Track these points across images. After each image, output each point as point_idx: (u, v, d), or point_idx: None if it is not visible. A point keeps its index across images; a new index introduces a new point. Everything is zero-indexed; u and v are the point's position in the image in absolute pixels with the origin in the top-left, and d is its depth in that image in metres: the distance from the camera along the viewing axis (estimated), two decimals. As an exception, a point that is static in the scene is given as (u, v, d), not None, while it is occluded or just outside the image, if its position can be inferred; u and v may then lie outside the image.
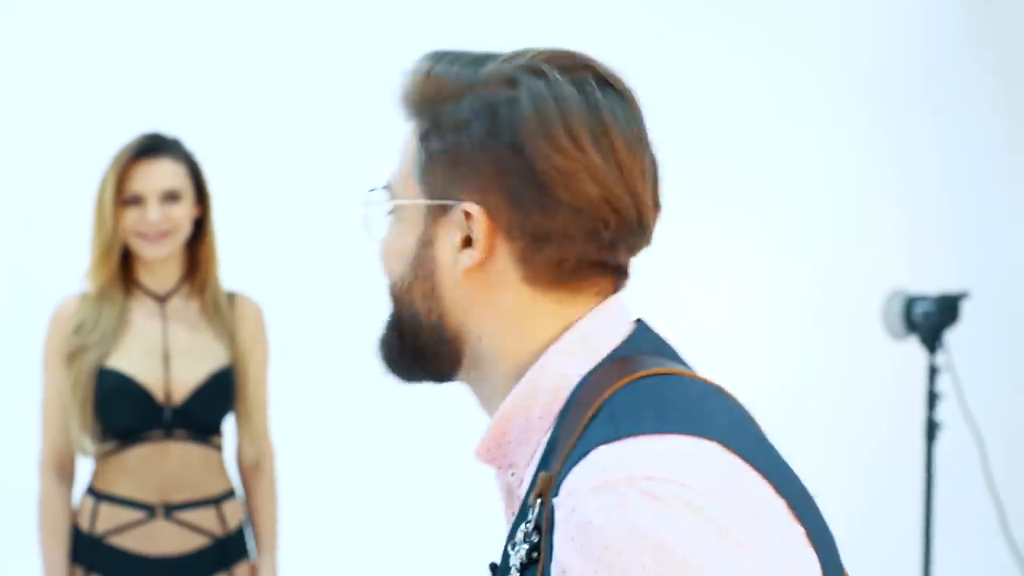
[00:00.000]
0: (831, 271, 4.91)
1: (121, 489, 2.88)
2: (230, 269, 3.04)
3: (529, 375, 1.18)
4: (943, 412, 4.06)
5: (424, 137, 1.20)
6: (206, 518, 2.92)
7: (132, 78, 3.83)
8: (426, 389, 4.09)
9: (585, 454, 1.05)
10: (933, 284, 4.31)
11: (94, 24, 3.83)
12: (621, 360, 1.16)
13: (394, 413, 4.01)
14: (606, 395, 1.11)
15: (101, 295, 2.91)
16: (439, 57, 1.21)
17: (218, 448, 2.97)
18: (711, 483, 1.04)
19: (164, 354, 2.91)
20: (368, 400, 3.99)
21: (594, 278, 1.20)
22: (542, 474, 1.10)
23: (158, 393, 2.88)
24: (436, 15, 4.20)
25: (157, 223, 2.87)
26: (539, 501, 1.09)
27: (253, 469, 3.05)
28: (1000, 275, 4.87)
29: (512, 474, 1.21)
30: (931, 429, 3.94)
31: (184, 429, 2.90)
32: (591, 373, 1.16)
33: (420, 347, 1.23)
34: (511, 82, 1.17)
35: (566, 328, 1.19)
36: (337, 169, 4.02)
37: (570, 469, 1.05)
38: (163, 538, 2.88)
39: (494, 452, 1.21)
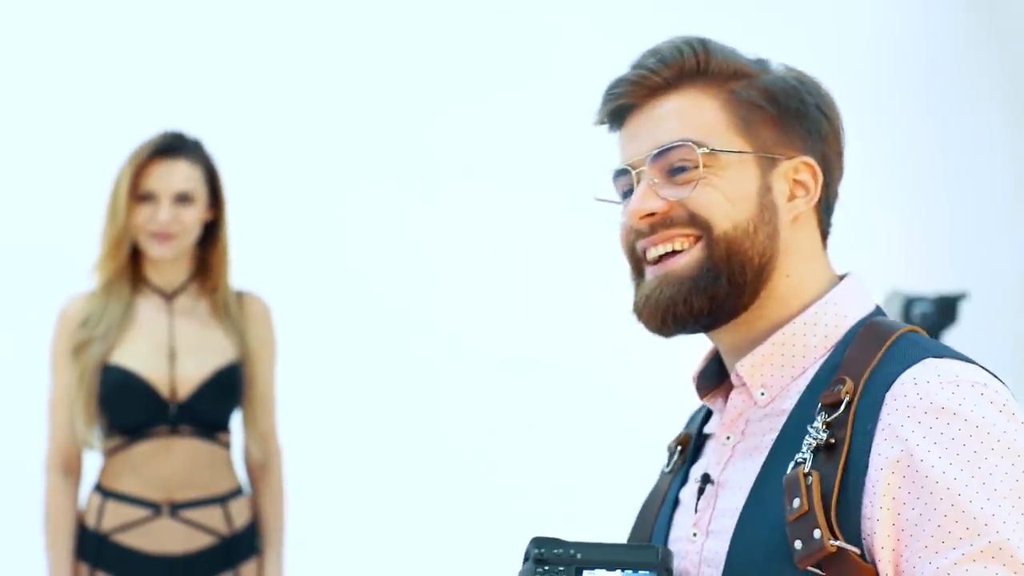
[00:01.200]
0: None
1: (127, 486, 2.89)
2: (238, 268, 3.05)
3: (814, 310, 1.36)
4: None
5: (746, 98, 1.37)
6: (212, 517, 2.92)
7: (145, 79, 3.85)
8: (432, 392, 4.04)
9: (912, 362, 1.27)
10: (931, 285, 4.32)
11: (110, 25, 3.85)
12: (883, 316, 1.38)
13: (401, 413, 4.02)
14: (899, 333, 1.32)
15: (108, 290, 2.92)
16: (702, 43, 1.39)
17: (225, 446, 2.97)
18: (1015, 400, 1.27)
19: (170, 350, 2.92)
20: (375, 400, 4.00)
21: None
22: (846, 379, 1.28)
23: (163, 389, 2.89)
24: (441, 18, 4.21)
25: (167, 223, 2.88)
26: (843, 401, 1.27)
27: (260, 469, 3.04)
28: (999, 275, 4.88)
29: (762, 393, 1.35)
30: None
31: (190, 426, 2.90)
32: (865, 318, 1.36)
33: (740, 287, 1.35)
34: (802, 73, 1.41)
35: (834, 280, 1.40)
36: (346, 171, 4.03)
37: (893, 375, 1.26)
38: (168, 536, 2.89)
39: (756, 371, 1.36)
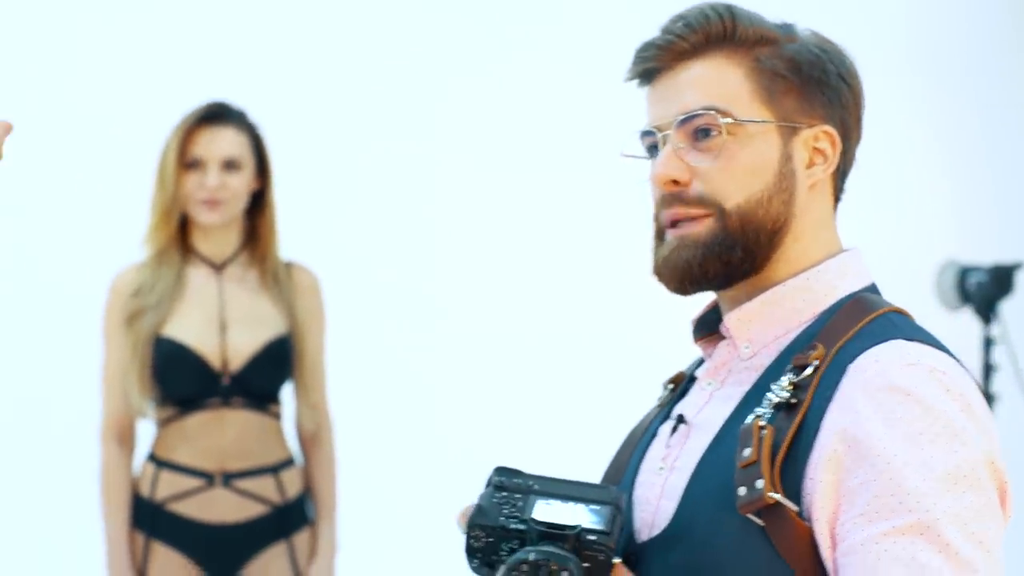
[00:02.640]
0: (883, 243, 4.86)
1: (180, 456, 2.91)
2: (288, 240, 3.05)
3: (806, 275, 1.41)
4: (998, 383, 4.03)
5: (770, 68, 1.40)
6: (264, 486, 2.93)
7: (189, 54, 3.85)
8: (489, 365, 3.99)
9: (881, 341, 1.32)
10: (987, 254, 4.28)
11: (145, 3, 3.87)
12: (874, 294, 1.42)
13: (451, 384, 4.02)
14: (881, 311, 1.37)
15: (159, 260, 2.93)
16: (729, 8, 1.41)
17: (276, 416, 2.98)
18: (977, 392, 1.32)
19: (221, 322, 2.94)
20: (424, 371, 4.01)
21: None
22: (819, 346, 1.33)
23: (215, 361, 2.91)
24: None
25: (215, 189, 2.89)
26: (811, 366, 1.32)
27: (311, 439, 3.05)
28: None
29: (747, 347, 1.41)
30: (987, 401, 3.92)
31: (241, 397, 2.92)
32: (856, 293, 1.41)
33: (754, 253, 1.39)
34: (827, 39, 1.44)
35: (836, 251, 1.44)
36: (398, 145, 4.03)
37: (860, 350, 1.31)
38: (222, 506, 2.91)
39: (743, 325, 1.41)
